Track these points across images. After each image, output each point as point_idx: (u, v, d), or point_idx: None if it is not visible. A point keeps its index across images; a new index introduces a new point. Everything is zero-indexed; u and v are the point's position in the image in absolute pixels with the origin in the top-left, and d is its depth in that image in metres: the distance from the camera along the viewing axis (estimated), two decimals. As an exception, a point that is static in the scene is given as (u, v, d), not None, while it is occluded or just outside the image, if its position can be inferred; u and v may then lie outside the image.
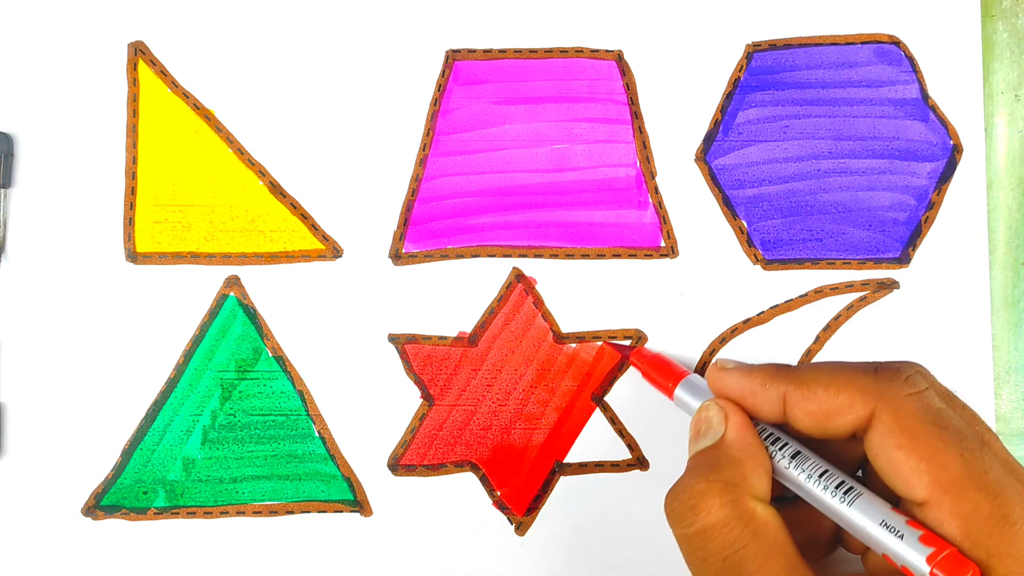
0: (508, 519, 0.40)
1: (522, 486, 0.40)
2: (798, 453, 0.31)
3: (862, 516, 0.29)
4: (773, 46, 0.41)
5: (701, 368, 0.40)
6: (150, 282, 0.40)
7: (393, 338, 0.40)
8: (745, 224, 0.40)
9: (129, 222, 0.40)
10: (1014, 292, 0.40)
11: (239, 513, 0.39)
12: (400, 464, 0.40)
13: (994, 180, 0.41)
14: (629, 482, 0.39)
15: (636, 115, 0.41)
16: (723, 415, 0.32)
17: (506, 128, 0.40)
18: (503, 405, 0.40)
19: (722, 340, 0.40)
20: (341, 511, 0.39)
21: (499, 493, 0.40)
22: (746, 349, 0.40)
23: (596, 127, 0.40)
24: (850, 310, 0.40)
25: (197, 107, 0.40)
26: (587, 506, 0.39)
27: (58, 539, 0.39)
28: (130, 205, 0.40)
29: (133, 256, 0.40)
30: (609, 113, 0.40)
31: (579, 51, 0.41)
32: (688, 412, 0.35)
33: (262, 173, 0.40)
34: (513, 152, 0.40)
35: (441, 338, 0.40)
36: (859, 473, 0.33)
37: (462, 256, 0.40)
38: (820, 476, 0.31)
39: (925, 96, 0.40)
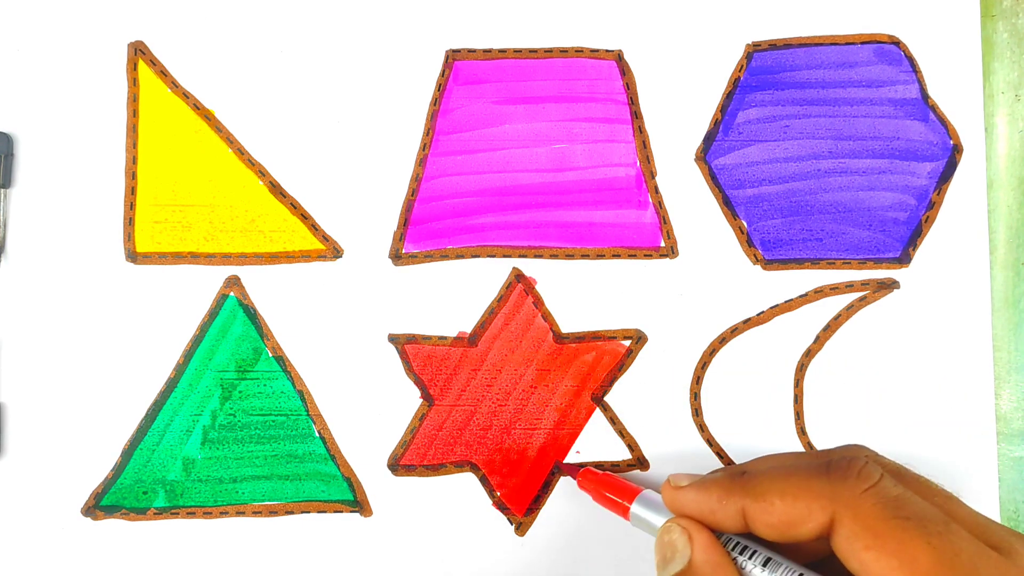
0: (508, 519, 0.40)
1: (522, 486, 0.40)
2: (769, 560, 0.31)
3: None
4: (773, 46, 0.41)
5: (700, 367, 0.40)
6: (150, 282, 0.40)
7: (393, 338, 0.40)
8: (745, 224, 0.40)
9: (129, 222, 0.40)
10: (1014, 292, 0.40)
11: (239, 513, 0.39)
12: (400, 464, 0.40)
13: (994, 180, 0.41)
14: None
15: (636, 115, 0.41)
16: (686, 536, 0.32)
17: (506, 128, 0.40)
18: (503, 405, 0.40)
19: (722, 340, 0.40)
20: (341, 511, 0.39)
21: (499, 493, 0.40)
22: (746, 349, 0.40)
23: (596, 127, 0.40)
24: (850, 310, 0.40)
25: (197, 107, 0.40)
26: (587, 506, 0.39)
27: (58, 539, 0.39)
28: (130, 205, 0.40)
29: (133, 256, 0.40)
30: (609, 113, 0.40)
31: (579, 51, 0.41)
32: (646, 531, 0.35)
33: (262, 173, 0.40)
34: (513, 152, 0.40)
35: (441, 338, 0.40)
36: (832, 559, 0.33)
37: (462, 256, 0.40)
38: None
39: (925, 96, 0.40)
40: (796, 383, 0.40)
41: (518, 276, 0.40)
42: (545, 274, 0.40)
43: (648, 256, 0.40)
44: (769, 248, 0.40)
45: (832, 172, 0.40)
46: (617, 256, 0.40)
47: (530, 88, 0.41)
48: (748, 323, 0.40)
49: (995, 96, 0.41)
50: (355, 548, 0.39)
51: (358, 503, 0.39)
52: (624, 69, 0.41)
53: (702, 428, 0.40)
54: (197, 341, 0.40)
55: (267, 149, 0.40)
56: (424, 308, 0.40)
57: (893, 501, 0.28)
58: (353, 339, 0.40)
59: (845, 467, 0.29)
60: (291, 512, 0.39)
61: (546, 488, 0.40)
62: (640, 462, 0.40)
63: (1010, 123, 0.41)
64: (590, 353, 0.40)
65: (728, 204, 0.40)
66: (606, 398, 0.40)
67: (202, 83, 0.40)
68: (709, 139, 0.40)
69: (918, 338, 0.40)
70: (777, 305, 0.40)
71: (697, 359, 0.40)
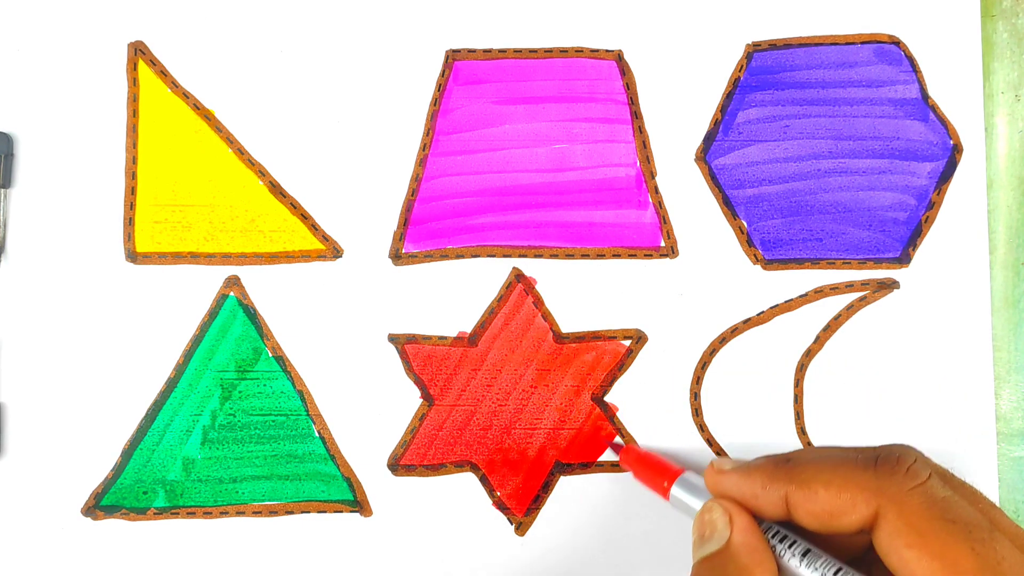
0: (508, 519, 0.40)
1: (522, 486, 0.40)
2: (808, 551, 0.31)
3: None
4: (773, 46, 0.41)
5: (701, 367, 0.40)
6: (150, 282, 0.40)
7: (393, 338, 0.40)
8: (745, 224, 0.40)
9: (129, 222, 0.40)
10: (1014, 292, 0.40)
11: (239, 513, 0.39)
12: (400, 464, 0.40)
13: (994, 180, 0.41)
14: (629, 482, 0.39)
15: (636, 115, 0.41)
16: (727, 518, 0.32)
17: (506, 128, 0.40)
18: (503, 405, 0.40)
19: (722, 340, 0.40)
20: (341, 511, 0.39)
21: (499, 493, 0.40)
22: (746, 349, 0.40)
23: (596, 127, 0.40)
24: (850, 310, 0.40)
25: (197, 107, 0.40)
26: (587, 506, 0.39)
27: (58, 539, 0.39)
28: (130, 205, 0.40)
29: (133, 256, 0.40)
30: (609, 113, 0.40)
31: (579, 51, 0.41)
32: (685, 512, 0.35)
33: (262, 173, 0.40)
34: (513, 152, 0.40)
35: (441, 338, 0.40)
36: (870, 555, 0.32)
37: (462, 256, 0.40)
38: (834, 575, 0.30)
39: (925, 96, 0.40)
40: (796, 383, 0.40)
41: (518, 276, 0.40)
42: (545, 274, 0.40)
43: (648, 256, 0.40)
44: (769, 248, 0.40)
45: (832, 172, 0.40)
46: (617, 256, 0.40)
47: (530, 88, 0.41)
48: (748, 323, 0.40)
49: (995, 96, 0.41)
50: (355, 548, 0.39)
51: (358, 503, 0.39)
52: (624, 69, 0.41)
53: (702, 428, 0.40)
54: (197, 341, 0.40)
55: (267, 149, 0.40)
56: (424, 308, 0.40)
57: (940, 502, 0.28)
58: (353, 339, 0.40)
59: (894, 463, 0.29)
60: (291, 512, 0.39)
61: (546, 488, 0.40)
62: (640, 462, 0.40)
63: (1010, 123, 0.41)
64: (590, 353, 0.40)
65: (728, 204, 0.40)
66: (606, 398, 0.40)
67: (202, 83, 0.40)
68: (709, 139, 0.40)
69: (918, 338, 0.40)
70: (777, 305, 0.40)
71: (697, 359, 0.40)
